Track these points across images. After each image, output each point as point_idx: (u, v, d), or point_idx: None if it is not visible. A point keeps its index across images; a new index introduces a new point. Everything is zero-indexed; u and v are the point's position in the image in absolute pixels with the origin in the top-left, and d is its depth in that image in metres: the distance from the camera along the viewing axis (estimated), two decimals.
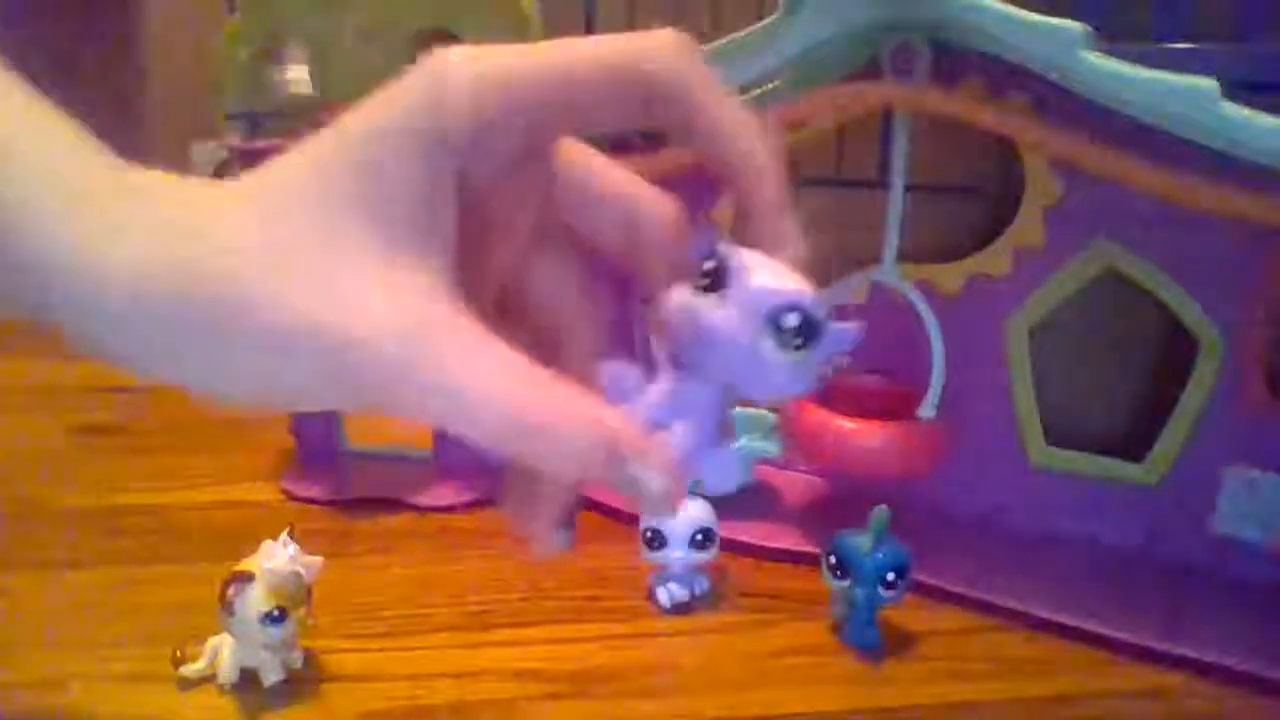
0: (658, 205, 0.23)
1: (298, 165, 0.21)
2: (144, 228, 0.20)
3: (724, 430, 0.21)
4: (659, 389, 0.20)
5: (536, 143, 0.21)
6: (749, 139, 0.21)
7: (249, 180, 0.21)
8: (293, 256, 0.19)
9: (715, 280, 0.20)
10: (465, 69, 0.20)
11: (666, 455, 0.19)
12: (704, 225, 0.22)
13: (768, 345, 0.19)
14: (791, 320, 0.19)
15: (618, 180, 0.23)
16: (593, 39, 0.20)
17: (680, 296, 0.20)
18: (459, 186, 0.20)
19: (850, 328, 0.20)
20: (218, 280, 0.19)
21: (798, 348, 0.19)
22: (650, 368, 0.21)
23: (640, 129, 0.21)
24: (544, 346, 0.23)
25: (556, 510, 0.22)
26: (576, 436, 0.19)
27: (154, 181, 0.21)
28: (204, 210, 0.21)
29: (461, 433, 0.19)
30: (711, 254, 0.20)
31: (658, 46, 0.20)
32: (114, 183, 0.21)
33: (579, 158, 0.23)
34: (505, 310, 0.23)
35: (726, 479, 0.21)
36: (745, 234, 0.21)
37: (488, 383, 0.19)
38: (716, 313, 0.19)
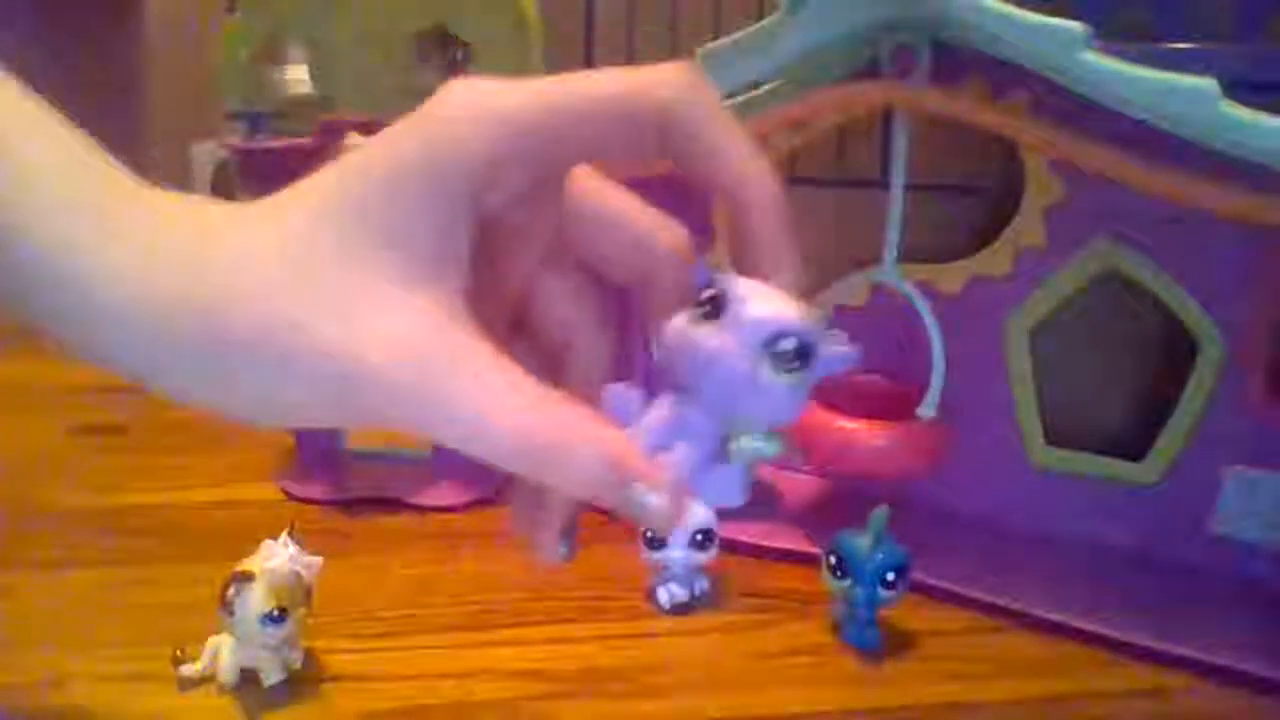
0: (665, 233, 0.23)
1: (314, 194, 0.21)
2: (145, 239, 0.20)
3: (723, 451, 0.21)
4: (659, 413, 0.21)
5: (549, 174, 0.22)
6: (756, 168, 0.21)
7: (263, 204, 0.21)
8: (308, 280, 0.20)
9: (714, 308, 0.20)
10: (480, 107, 0.20)
11: (669, 478, 0.20)
12: (702, 255, 0.23)
13: (764, 370, 0.20)
14: (787, 346, 0.20)
15: (626, 207, 0.23)
16: (603, 72, 0.21)
17: (680, 324, 0.21)
18: (475, 216, 0.20)
19: (844, 351, 0.21)
20: (227, 299, 0.20)
21: (793, 371, 0.20)
22: (653, 386, 0.22)
23: (648, 159, 0.22)
24: (553, 366, 0.24)
25: (560, 523, 0.23)
26: (584, 459, 0.20)
27: (156, 194, 0.21)
28: (212, 228, 0.21)
29: (473, 453, 0.20)
30: (709, 282, 0.21)
31: (668, 79, 0.21)
32: (115, 190, 0.21)
33: (588, 184, 0.23)
34: (517, 331, 0.24)
35: (727, 498, 0.22)
36: (745, 258, 0.22)
37: (499, 405, 0.19)
38: (714, 340, 0.20)
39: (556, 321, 0.24)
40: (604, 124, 0.21)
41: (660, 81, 0.21)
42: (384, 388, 0.19)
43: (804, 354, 0.20)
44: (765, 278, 0.21)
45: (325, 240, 0.20)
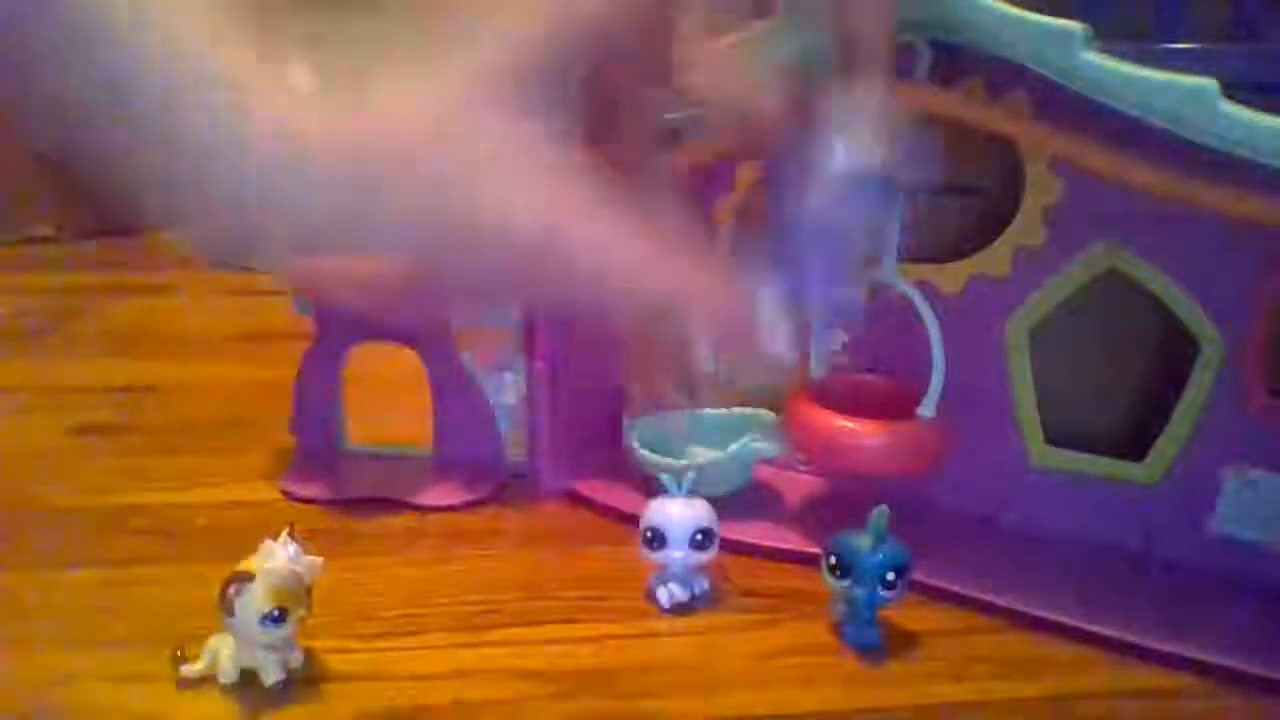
0: (766, 105, 0.26)
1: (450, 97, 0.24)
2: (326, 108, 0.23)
3: (841, 274, 0.26)
4: (795, 223, 0.25)
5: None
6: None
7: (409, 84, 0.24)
8: (473, 164, 0.23)
9: (801, 159, 0.25)
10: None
11: (783, 330, 0.24)
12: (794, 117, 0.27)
13: (858, 204, 0.24)
14: (873, 183, 0.24)
15: (727, 81, 0.26)
16: None
17: (782, 169, 0.25)
18: (584, 86, 0.24)
19: (914, 164, 0.26)
20: (426, 188, 0.23)
21: (872, 208, 0.24)
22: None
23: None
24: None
25: (679, 373, 0.28)
26: (711, 310, 0.23)
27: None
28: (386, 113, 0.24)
29: (612, 304, 0.23)
30: (799, 139, 0.25)
31: None
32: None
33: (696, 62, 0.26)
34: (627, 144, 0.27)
35: (848, 312, 0.28)
36: (841, 94, 0.25)
37: (643, 262, 0.23)
38: (812, 184, 0.24)
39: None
40: None
41: None
42: (551, 252, 0.22)
43: (890, 186, 0.24)
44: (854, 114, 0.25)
45: (474, 133, 0.23)
